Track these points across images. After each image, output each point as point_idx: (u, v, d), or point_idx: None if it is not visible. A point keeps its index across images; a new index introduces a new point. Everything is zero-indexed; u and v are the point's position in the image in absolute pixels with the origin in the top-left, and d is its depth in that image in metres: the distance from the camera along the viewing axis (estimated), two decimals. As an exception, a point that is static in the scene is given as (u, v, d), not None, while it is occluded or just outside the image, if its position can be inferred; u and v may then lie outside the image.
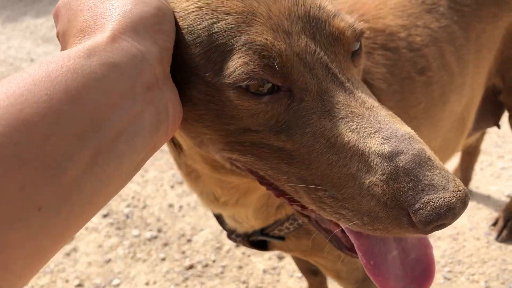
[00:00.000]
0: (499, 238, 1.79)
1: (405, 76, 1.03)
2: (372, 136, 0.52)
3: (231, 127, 0.56)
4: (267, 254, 1.95)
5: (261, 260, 1.94)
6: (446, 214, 0.47)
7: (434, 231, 0.50)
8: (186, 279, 1.94)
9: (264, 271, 1.89)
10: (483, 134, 1.89)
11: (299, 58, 0.53)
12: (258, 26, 0.52)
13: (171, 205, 2.35)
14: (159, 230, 2.22)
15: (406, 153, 0.50)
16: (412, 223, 0.49)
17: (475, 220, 1.91)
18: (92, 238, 2.24)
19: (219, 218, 1.05)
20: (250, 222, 0.96)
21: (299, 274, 1.83)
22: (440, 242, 1.84)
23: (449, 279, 1.69)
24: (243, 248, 2.01)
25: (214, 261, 1.99)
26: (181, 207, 2.33)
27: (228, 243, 2.05)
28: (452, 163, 2.15)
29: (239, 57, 0.51)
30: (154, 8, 0.50)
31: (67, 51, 0.41)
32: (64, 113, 0.37)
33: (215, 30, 0.53)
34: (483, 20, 1.11)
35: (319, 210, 0.55)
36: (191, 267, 1.99)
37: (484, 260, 1.74)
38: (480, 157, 2.20)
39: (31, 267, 0.38)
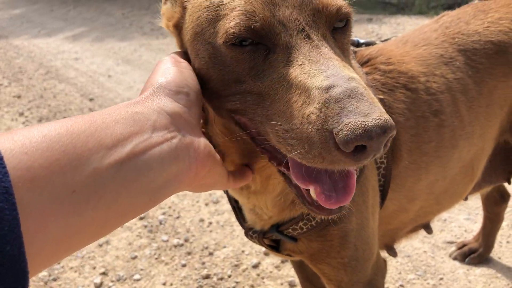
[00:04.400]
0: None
1: (420, 114, 1.15)
2: (318, 75, 0.62)
3: (227, 77, 0.72)
4: (279, 280, 2.03)
5: (273, 284, 2.02)
6: (362, 135, 0.55)
7: (359, 158, 0.59)
8: (200, 286, 2.05)
9: (274, 294, 1.96)
10: (506, 202, 1.91)
11: (280, 23, 0.68)
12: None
13: (202, 220, 2.50)
14: (186, 240, 2.36)
15: (340, 86, 0.59)
16: (337, 145, 0.58)
17: (491, 287, 1.91)
18: (125, 235, 2.42)
19: (239, 215, 1.17)
20: (268, 212, 1.05)
21: (306, 303, 1.89)
22: (451, 301, 1.85)
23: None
24: (259, 270, 2.10)
25: (229, 276, 2.09)
26: (210, 223, 2.47)
27: (246, 263, 2.15)
28: (475, 228, 2.16)
29: (232, 18, 0.69)
30: (176, 78, 0.70)
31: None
32: (103, 129, 0.55)
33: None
34: (495, 78, 1.22)
35: (277, 144, 0.67)
36: (207, 277, 2.10)
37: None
38: (510, 231, 2.20)
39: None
